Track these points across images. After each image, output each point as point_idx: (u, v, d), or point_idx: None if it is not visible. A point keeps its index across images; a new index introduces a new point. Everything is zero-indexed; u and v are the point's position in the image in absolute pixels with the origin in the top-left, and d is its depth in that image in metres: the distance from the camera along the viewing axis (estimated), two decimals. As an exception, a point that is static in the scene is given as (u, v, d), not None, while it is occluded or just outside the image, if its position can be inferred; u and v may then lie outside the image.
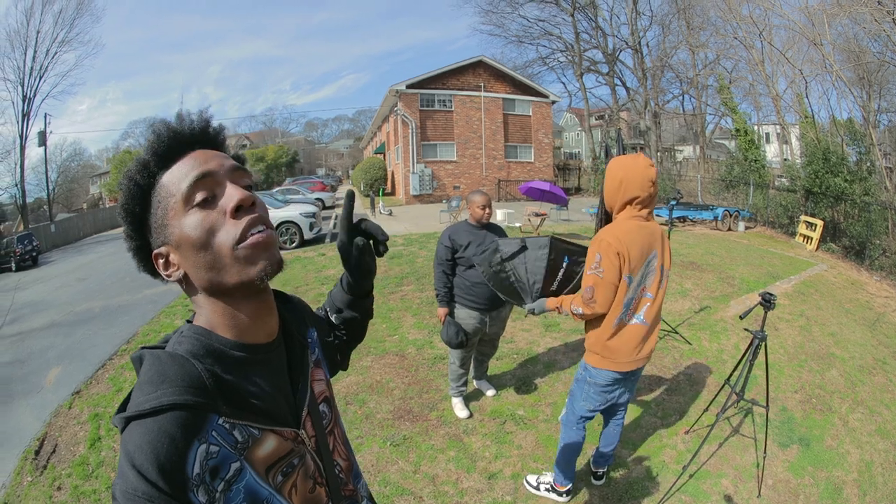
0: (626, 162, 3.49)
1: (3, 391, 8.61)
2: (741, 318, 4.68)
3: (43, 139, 44.80)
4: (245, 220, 1.09)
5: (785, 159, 28.84)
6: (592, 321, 3.65)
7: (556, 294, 4.00)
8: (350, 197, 1.55)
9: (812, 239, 18.15)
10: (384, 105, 37.12)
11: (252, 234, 1.08)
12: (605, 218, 3.75)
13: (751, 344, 4.63)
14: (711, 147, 42.02)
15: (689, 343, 7.62)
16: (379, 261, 11.41)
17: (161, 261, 1.13)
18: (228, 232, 1.07)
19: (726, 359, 7.15)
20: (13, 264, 27.31)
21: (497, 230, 5.30)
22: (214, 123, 1.23)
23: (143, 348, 1.08)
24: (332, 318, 1.67)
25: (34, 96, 44.22)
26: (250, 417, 1.06)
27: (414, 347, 7.53)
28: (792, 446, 5.21)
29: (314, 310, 1.65)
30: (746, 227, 21.15)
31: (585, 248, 3.80)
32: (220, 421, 1.00)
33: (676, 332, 7.81)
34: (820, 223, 18.17)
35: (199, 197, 1.08)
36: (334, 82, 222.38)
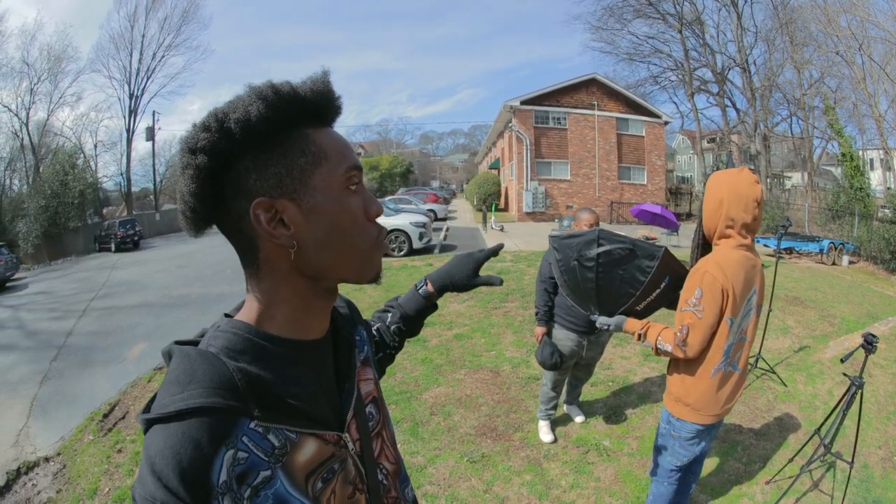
0: (727, 178, 3.03)
1: (83, 357, 9.16)
2: (842, 361, 4.30)
3: (151, 134, 47.89)
4: (379, 226, 1.12)
5: (888, 188, 27.37)
6: (682, 366, 3.22)
7: (639, 316, 3.43)
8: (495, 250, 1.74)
9: None
10: (499, 120, 37.46)
11: (381, 241, 1.12)
12: (703, 244, 3.24)
13: (847, 391, 4.35)
14: (819, 174, 40.23)
15: (785, 385, 7.21)
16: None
17: (267, 214, 0.98)
18: (370, 229, 1.09)
19: (819, 405, 6.73)
20: (113, 245, 29.52)
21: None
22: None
23: (174, 343, 1.01)
24: (394, 328, 1.68)
25: (141, 94, 47.77)
26: (288, 420, 0.99)
27: (510, 365, 7.45)
28: None
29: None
30: (850, 262, 19.98)
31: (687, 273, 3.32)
32: (252, 425, 0.93)
33: (774, 373, 7.41)
34: None
35: (355, 181, 1.07)
36: (450, 97, 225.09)
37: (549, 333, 5.18)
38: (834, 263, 19.68)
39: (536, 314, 5.25)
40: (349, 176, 1.05)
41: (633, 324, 3.30)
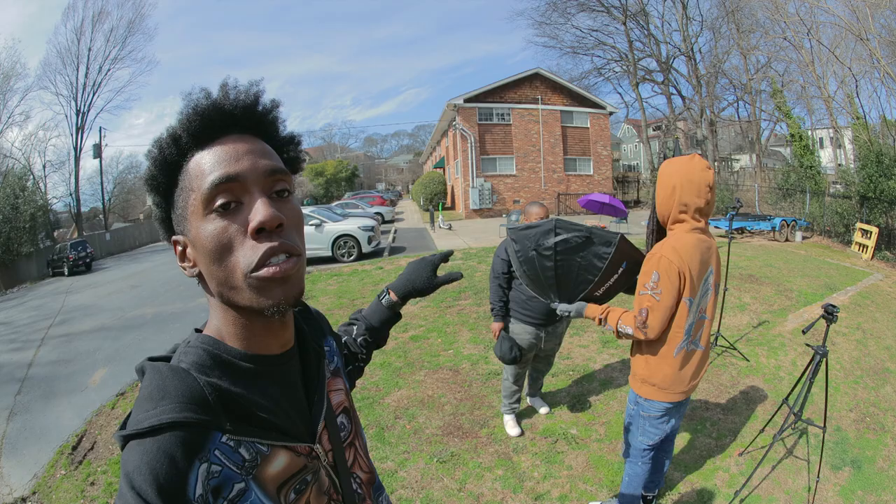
0: (679, 164, 3.12)
1: (46, 388, 8.96)
2: (804, 332, 4.45)
3: (98, 152, 46.82)
4: (265, 246, 0.97)
5: (839, 164, 28.30)
6: (645, 348, 3.33)
7: (599, 301, 3.51)
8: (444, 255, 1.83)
9: (867, 247, 17.57)
10: (443, 120, 37.42)
11: (270, 265, 0.97)
12: (657, 230, 3.35)
13: (812, 360, 4.44)
14: (767, 155, 41.31)
15: (747, 360, 7.36)
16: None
17: (179, 249, 1.05)
18: (245, 254, 0.97)
19: (783, 376, 6.90)
20: (66, 269, 28.96)
21: None
22: (265, 100, 1.10)
23: (147, 359, 1.02)
24: (360, 341, 1.67)
25: (88, 111, 46.58)
26: (258, 433, 0.99)
27: (468, 362, 7.44)
28: (844, 469, 4.99)
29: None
30: (804, 237, 20.57)
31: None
32: (224, 439, 0.93)
33: (735, 349, 7.55)
34: (875, 230, 17.53)
35: (219, 201, 0.97)
36: (394, 98, 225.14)
37: (506, 328, 5.19)
38: (787, 240, 20.23)
39: (492, 310, 5.25)
40: (214, 196, 0.97)
41: (593, 309, 3.37)
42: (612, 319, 3.29)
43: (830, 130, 30.97)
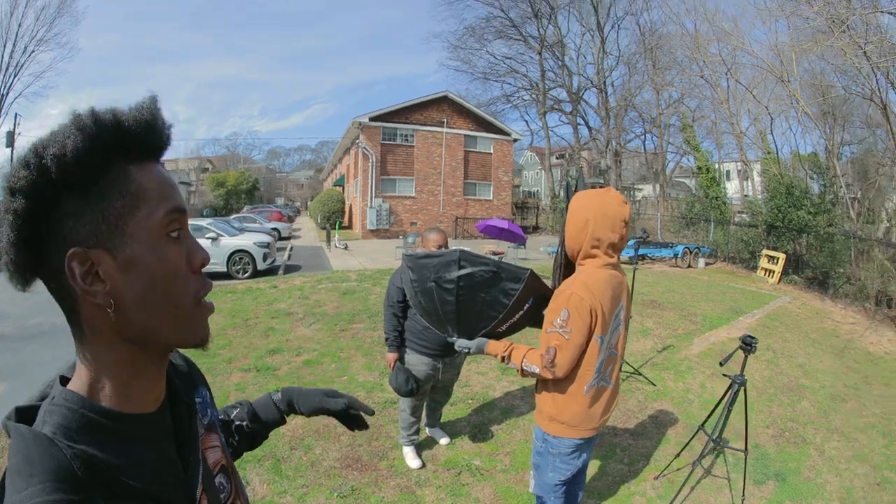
0: (593, 198, 2.99)
1: None
2: (721, 363, 4.46)
3: (11, 140, 43.77)
4: (205, 282, 0.99)
5: (745, 195, 29.93)
6: (552, 386, 3.14)
7: (501, 336, 3.30)
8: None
9: (774, 272, 18.81)
10: (346, 137, 37.14)
11: (206, 300, 1.00)
12: (566, 264, 3.20)
13: (729, 388, 4.54)
14: (671, 185, 43.18)
15: (654, 384, 7.47)
16: (330, 296, 10.97)
17: (82, 267, 0.86)
18: (190, 283, 0.96)
19: (693, 399, 7.05)
20: None
21: None
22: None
23: (8, 418, 0.90)
24: (242, 424, 1.58)
25: (7, 93, 43.83)
26: None
27: (363, 390, 7.18)
28: (767, 483, 5.11)
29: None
30: (707, 264, 21.72)
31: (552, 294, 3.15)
32: None
33: (639, 374, 7.64)
34: (782, 256, 18.86)
35: (174, 226, 0.94)
36: (302, 111, 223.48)
37: (401, 359, 5.01)
38: (690, 266, 21.23)
39: (386, 340, 5.06)
40: (170, 221, 0.93)
41: (495, 346, 3.19)
42: (516, 357, 3.10)
43: (739, 164, 32.76)
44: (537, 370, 2.99)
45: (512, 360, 3.10)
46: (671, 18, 35.29)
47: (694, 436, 5.19)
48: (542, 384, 3.22)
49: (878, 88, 19.71)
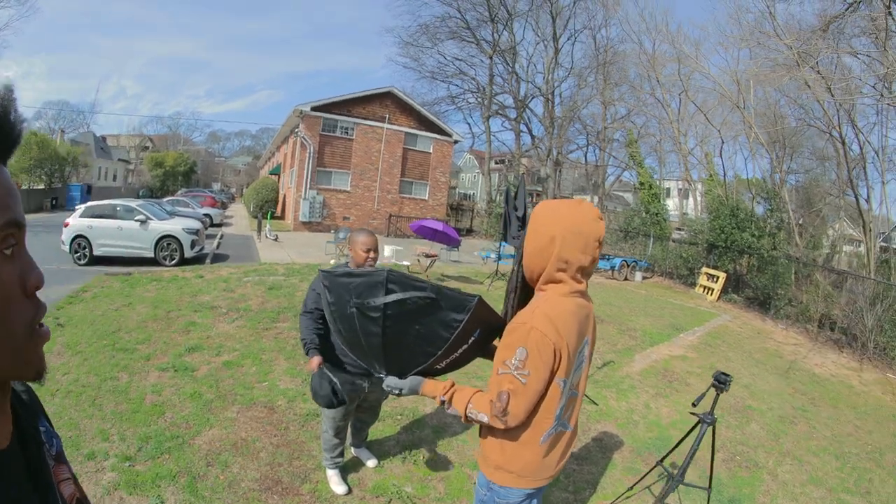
0: (563, 211, 2.44)
1: None
2: (693, 404, 4.28)
3: None
4: (41, 305, 0.89)
5: (685, 213, 31.73)
6: (500, 432, 2.52)
7: (438, 373, 2.68)
8: None
9: (714, 290, 19.60)
10: (286, 125, 36.52)
11: (42, 326, 0.90)
12: (522, 287, 2.65)
13: (697, 425, 4.42)
14: (609, 198, 43.92)
15: (596, 403, 7.25)
16: (256, 291, 10.47)
17: None
18: (25, 309, 0.86)
19: (637, 420, 6.90)
20: None
21: None
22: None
23: None
24: None
25: None
26: None
27: (285, 399, 6.70)
28: None
29: None
30: (644, 277, 22.23)
31: (504, 324, 2.57)
32: None
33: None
34: (723, 275, 19.68)
35: (9, 241, 0.83)
36: (248, 96, 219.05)
37: (330, 364, 4.37)
38: (626, 279, 21.65)
39: (304, 344, 4.40)
40: (4, 236, 0.82)
41: (432, 387, 2.57)
42: (458, 402, 2.49)
43: (679, 182, 34.50)
44: (486, 419, 2.42)
45: (454, 404, 2.51)
46: (630, 37, 36.38)
47: (651, 470, 4.97)
48: (488, 429, 2.62)
49: (839, 123, 21.06)
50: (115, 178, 68.28)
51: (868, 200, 21.77)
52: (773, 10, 22.20)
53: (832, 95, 19.57)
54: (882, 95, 19.49)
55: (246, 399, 6.66)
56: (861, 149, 21.84)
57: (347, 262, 4.56)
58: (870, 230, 20.34)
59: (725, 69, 28.49)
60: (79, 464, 4.74)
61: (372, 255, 4.42)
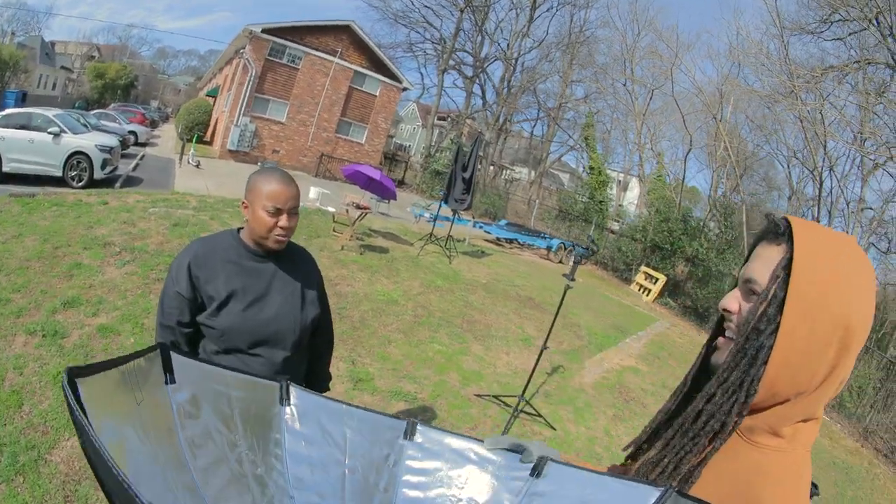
0: (867, 275, 1.06)
1: None
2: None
3: None
4: None
5: (620, 205, 32.37)
6: None
7: None
8: None
9: (650, 291, 19.72)
10: (233, 45, 34.43)
11: None
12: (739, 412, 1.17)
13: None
14: (547, 176, 43.64)
15: (553, 428, 6.42)
16: (159, 226, 8.80)
17: None
18: None
19: (601, 452, 6.13)
20: None
21: (306, 264, 2.74)
22: None
23: None
24: None
25: None
26: None
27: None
28: None
29: None
30: (576, 263, 21.39)
31: None
32: None
33: (539, 416, 6.42)
34: (663, 278, 19.85)
35: None
36: (206, 15, 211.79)
37: None
38: (561, 262, 21.06)
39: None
40: None
41: None
42: None
43: (620, 174, 35.61)
44: None
45: None
46: (613, 23, 37.51)
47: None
48: None
49: (822, 160, 22.09)
50: (54, 86, 64.61)
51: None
52: (786, 43, 22.78)
53: (824, 126, 20.48)
54: (856, 143, 20.69)
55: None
56: (819, 188, 22.78)
57: (238, 231, 2.58)
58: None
59: (711, 79, 29.73)
60: None
61: (283, 222, 2.39)
